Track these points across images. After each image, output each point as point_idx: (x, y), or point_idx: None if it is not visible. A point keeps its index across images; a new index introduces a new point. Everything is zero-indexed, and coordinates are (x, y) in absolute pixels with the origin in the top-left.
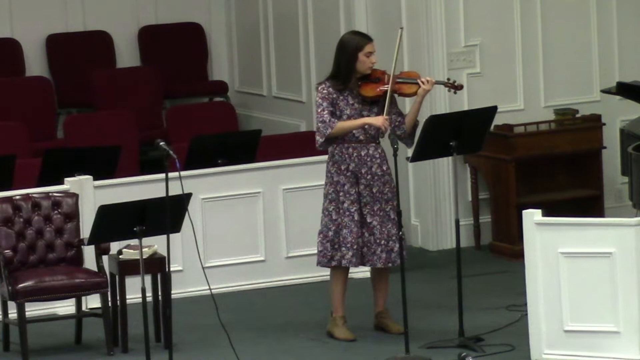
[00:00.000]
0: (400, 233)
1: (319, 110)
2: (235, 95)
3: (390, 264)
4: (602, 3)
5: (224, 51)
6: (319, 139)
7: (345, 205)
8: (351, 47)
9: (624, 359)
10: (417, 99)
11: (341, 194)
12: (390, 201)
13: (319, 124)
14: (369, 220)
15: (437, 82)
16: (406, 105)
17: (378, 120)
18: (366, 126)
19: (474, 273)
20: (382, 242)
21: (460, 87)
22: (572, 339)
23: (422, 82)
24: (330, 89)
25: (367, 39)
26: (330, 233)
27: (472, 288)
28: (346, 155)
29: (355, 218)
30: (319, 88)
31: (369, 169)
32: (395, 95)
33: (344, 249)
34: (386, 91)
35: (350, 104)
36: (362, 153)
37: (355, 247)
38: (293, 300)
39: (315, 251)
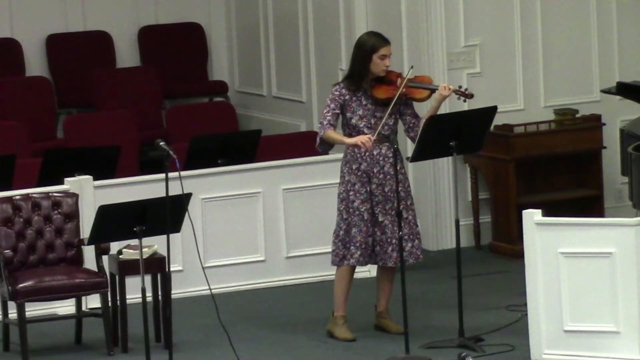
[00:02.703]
0: (401, 233)
1: (324, 112)
2: (235, 95)
3: (400, 263)
4: (602, 3)
5: (224, 51)
6: (317, 140)
7: (355, 204)
8: (366, 48)
9: (624, 359)
10: (434, 104)
11: (351, 193)
12: (403, 200)
13: (319, 124)
14: (380, 219)
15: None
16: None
17: (352, 140)
18: (349, 145)
19: (474, 273)
20: (394, 241)
21: (471, 95)
22: (572, 339)
23: (442, 88)
24: (343, 90)
25: (383, 41)
26: (342, 232)
27: (472, 288)
28: (358, 155)
29: (365, 217)
30: (333, 89)
31: (381, 168)
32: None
33: (352, 248)
34: (397, 94)
35: (364, 104)
36: (375, 152)
37: (363, 246)
38: (293, 300)
39: (318, 251)
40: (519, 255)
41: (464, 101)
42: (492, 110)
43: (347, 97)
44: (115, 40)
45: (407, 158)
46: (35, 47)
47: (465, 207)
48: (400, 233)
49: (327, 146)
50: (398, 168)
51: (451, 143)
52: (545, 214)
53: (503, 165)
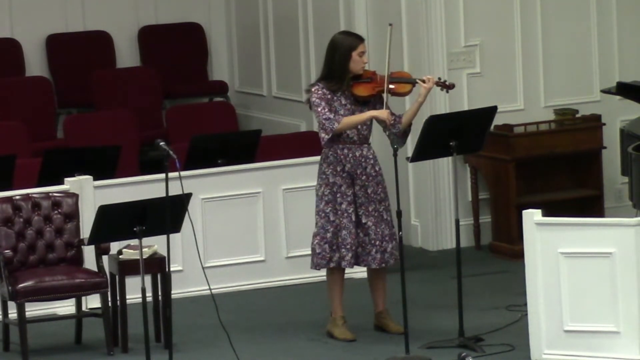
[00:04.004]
0: (401, 233)
1: (319, 109)
2: (235, 95)
3: (384, 264)
4: (602, 3)
5: (224, 51)
6: (325, 136)
7: (343, 206)
8: (344, 47)
9: (624, 359)
10: (420, 99)
11: (338, 195)
12: (383, 202)
13: (324, 121)
14: (364, 220)
15: None
16: (399, 104)
17: (383, 114)
18: (368, 122)
19: (474, 273)
20: (377, 242)
21: (452, 86)
22: (572, 339)
23: (424, 81)
24: (325, 90)
25: (359, 39)
26: (329, 235)
27: (472, 288)
28: (341, 156)
29: (353, 219)
30: (313, 89)
31: (363, 170)
32: (389, 95)
33: (343, 250)
34: (381, 90)
35: (344, 104)
36: (357, 154)
37: (353, 248)
38: (293, 300)
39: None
40: (519, 255)
41: (447, 92)
42: (492, 110)
43: (328, 96)
44: (115, 40)
45: (407, 158)
46: (35, 47)
47: (465, 207)
48: (400, 233)
49: (333, 142)
50: (377, 169)
51: (451, 143)
52: (545, 214)
53: (503, 165)
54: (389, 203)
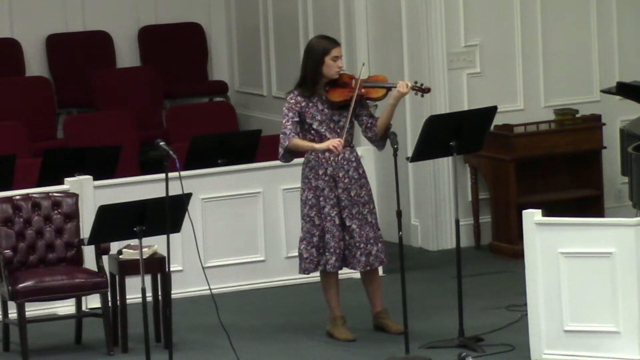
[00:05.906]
0: (401, 233)
1: (283, 121)
2: (235, 95)
3: (368, 267)
4: (602, 3)
5: (224, 51)
6: (280, 150)
7: (326, 210)
8: (318, 51)
9: (624, 359)
10: (392, 101)
11: (321, 198)
12: (367, 204)
13: (281, 135)
14: (348, 223)
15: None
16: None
17: (324, 145)
18: (314, 152)
19: (474, 273)
20: (362, 245)
21: (428, 90)
22: (572, 339)
23: (401, 86)
24: (299, 98)
25: (333, 43)
26: (315, 239)
27: (472, 288)
28: (323, 160)
29: (337, 222)
30: (287, 98)
31: (346, 173)
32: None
33: (327, 254)
34: (353, 96)
35: (320, 109)
36: (339, 157)
37: (337, 251)
38: (293, 300)
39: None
40: (519, 255)
41: (422, 96)
42: (492, 110)
43: (303, 104)
44: (115, 40)
45: (407, 158)
46: (35, 47)
47: (465, 207)
48: (400, 233)
49: (290, 156)
50: (360, 172)
51: (451, 143)
52: (545, 214)
53: (503, 165)
54: (374, 206)
